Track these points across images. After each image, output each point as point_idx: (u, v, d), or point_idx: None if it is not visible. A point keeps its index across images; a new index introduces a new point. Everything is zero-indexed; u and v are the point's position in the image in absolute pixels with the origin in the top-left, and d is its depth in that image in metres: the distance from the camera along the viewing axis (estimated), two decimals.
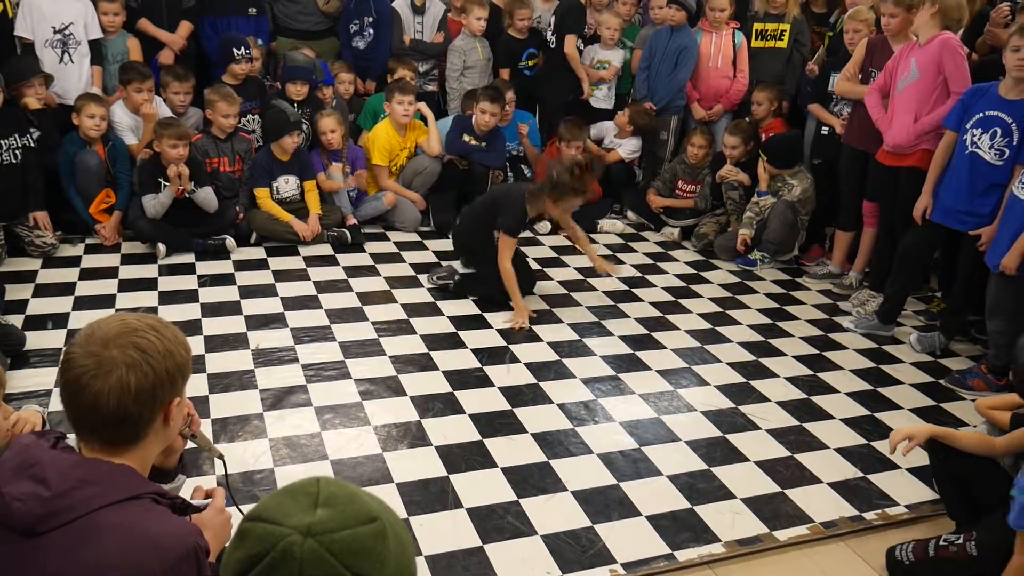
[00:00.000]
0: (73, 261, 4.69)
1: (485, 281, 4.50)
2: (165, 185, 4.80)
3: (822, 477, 3.21)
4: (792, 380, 3.97)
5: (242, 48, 5.41)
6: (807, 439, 3.47)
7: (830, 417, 3.65)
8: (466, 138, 5.70)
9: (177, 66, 5.50)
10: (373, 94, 6.19)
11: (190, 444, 1.88)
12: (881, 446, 3.44)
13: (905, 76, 4.37)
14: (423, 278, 4.80)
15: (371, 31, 6.11)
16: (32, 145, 4.73)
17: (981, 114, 3.94)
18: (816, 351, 4.31)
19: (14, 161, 4.64)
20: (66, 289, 4.34)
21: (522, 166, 6.16)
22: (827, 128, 5.29)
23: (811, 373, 4.05)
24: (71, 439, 1.56)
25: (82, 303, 4.19)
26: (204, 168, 5.05)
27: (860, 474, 3.25)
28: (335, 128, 5.38)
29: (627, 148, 6.21)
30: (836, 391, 3.90)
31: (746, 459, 3.28)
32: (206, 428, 3.18)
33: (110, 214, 4.96)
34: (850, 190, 5.00)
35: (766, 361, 4.14)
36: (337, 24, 6.25)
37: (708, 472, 3.18)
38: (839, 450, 3.41)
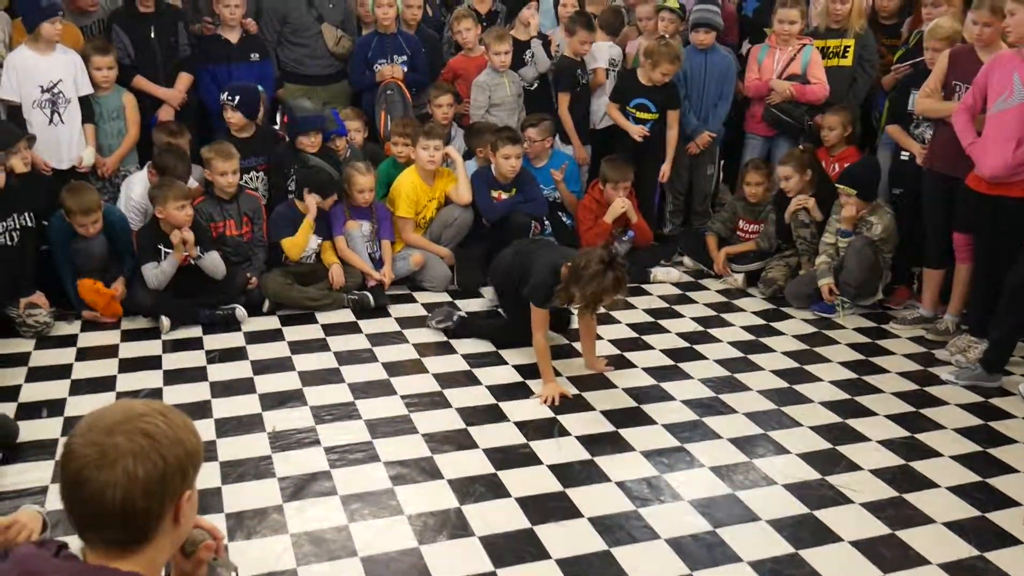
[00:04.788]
0: (68, 340, 4.76)
1: (510, 328, 4.72)
2: (167, 252, 4.89)
3: (930, 558, 3.11)
4: (886, 443, 3.88)
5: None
6: (909, 513, 3.37)
7: (934, 485, 3.56)
8: (495, 194, 5.75)
9: (170, 122, 5.66)
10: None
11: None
12: (997, 517, 3.34)
13: (1007, 96, 4.33)
14: (457, 343, 4.81)
15: (404, 68, 6.25)
16: (31, 225, 4.81)
17: None
18: (912, 408, 4.22)
19: (10, 244, 4.73)
20: (61, 372, 4.40)
21: (560, 214, 6.19)
22: (907, 153, 5.26)
23: (908, 435, 3.97)
24: (74, 546, 1.56)
25: (79, 387, 4.24)
26: (209, 232, 5.14)
27: (976, 552, 3.15)
28: (372, 188, 5.49)
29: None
30: (939, 455, 3.80)
31: (839, 539, 3.20)
32: (219, 523, 3.17)
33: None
34: (936, 222, 4.95)
35: (854, 423, 4.06)
36: (348, 66, 6.39)
37: (796, 556, 3.10)
38: (949, 524, 3.31)
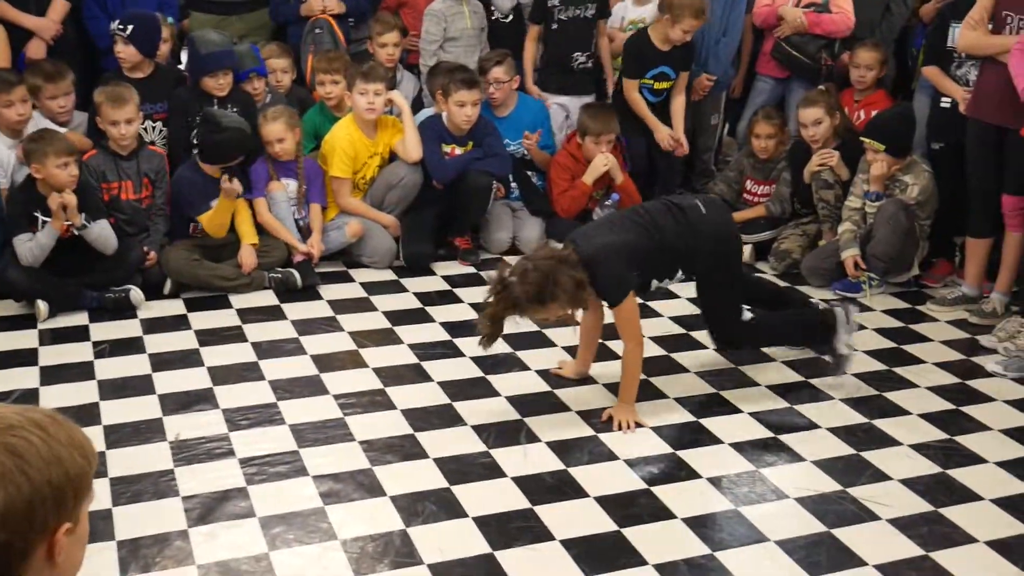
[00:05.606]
0: None
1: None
2: (45, 221, 4.83)
3: None
4: (920, 448, 3.92)
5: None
6: (946, 531, 3.41)
7: (977, 498, 3.60)
8: (447, 149, 5.73)
9: (44, 61, 5.56)
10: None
11: None
12: None
13: None
14: (403, 331, 4.80)
15: None
16: None
17: None
18: (952, 406, 4.27)
19: None
20: None
21: (529, 172, 6.18)
22: (948, 100, 5.29)
23: (946, 437, 4.01)
24: None
25: None
26: (99, 195, 5.08)
27: None
28: (283, 135, 5.44)
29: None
30: (983, 460, 3.85)
31: (863, 563, 3.23)
32: (110, 554, 3.15)
33: None
34: (982, 182, 5.00)
35: (882, 423, 4.10)
36: None
37: None
38: (993, 543, 3.34)
